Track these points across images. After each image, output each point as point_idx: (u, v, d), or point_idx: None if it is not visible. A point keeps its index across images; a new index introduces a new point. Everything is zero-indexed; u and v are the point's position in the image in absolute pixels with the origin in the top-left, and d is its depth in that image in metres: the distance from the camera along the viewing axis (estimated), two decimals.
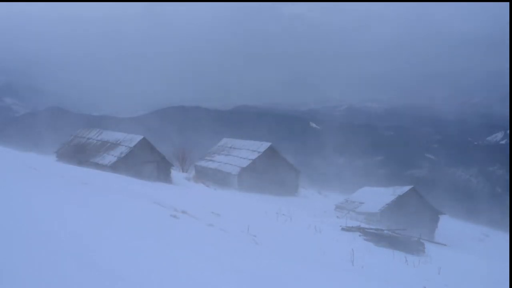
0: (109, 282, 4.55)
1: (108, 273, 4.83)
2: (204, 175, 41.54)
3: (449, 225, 35.91)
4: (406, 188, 34.35)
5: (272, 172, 39.65)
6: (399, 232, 21.12)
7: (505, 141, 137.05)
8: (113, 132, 36.01)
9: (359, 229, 20.40)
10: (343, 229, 20.31)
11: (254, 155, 40.33)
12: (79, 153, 34.21)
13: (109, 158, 31.23)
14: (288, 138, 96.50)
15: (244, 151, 42.02)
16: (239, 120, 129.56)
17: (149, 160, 31.56)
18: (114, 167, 29.05)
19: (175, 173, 36.31)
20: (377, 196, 33.97)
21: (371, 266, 12.17)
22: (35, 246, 5.02)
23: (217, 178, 40.29)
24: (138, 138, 32.26)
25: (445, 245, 24.96)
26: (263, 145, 41.43)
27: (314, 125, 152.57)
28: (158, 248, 6.84)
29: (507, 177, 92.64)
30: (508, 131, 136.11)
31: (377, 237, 18.60)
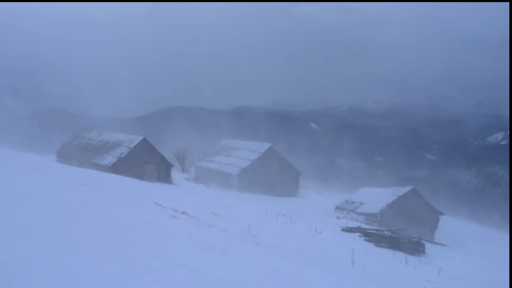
0: (107, 284, 4.55)
1: (107, 274, 4.83)
2: (205, 176, 41.56)
3: (449, 225, 35.91)
4: (406, 188, 34.37)
5: (272, 173, 39.68)
6: (400, 232, 21.14)
7: (505, 142, 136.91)
8: (113, 133, 36.05)
9: (359, 229, 20.41)
10: (343, 229, 20.32)
11: (255, 156, 40.35)
12: (80, 154, 34.24)
13: (110, 158, 31.26)
14: (288, 139, 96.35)
15: (245, 151, 42.04)
16: (239, 120, 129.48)
17: (149, 161, 31.59)
18: (114, 168, 29.08)
19: (176, 174, 36.33)
20: (377, 197, 33.97)
21: (371, 267, 12.17)
22: (33, 247, 5.03)
23: (218, 179, 40.31)
24: (138, 138, 32.29)
25: (445, 245, 24.97)
26: (264, 146, 41.45)
27: (314, 125, 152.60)
28: (158, 249, 6.85)
29: (508, 177, 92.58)
30: (508, 132, 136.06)
31: (378, 238, 18.60)
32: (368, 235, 18.93)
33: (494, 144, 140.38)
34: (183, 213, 12.51)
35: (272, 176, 39.40)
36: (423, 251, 18.42)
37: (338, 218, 28.56)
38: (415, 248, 18.28)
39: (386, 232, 20.46)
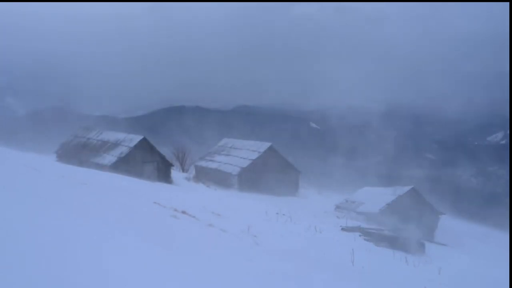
0: (106, 285, 4.54)
1: (106, 275, 4.82)
2: (204, 175, 41.54)
3: (449, 225, 35.91)
4: (406, 188, 34.36)
5: (272, 172, 39.63)
6: (399, 232, 21.12)
7: (505, 141, 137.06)
8: (113, 132, 36.03)
9: (359, 229, 20.42)
10: (343, 229, 20.31)
11: (254, 155, 40.33)
12: (79, 153, 34.22)
13: (109, 158, 31.24)
14: (288, 138, 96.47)
15: (244, 151, 42.02)
16: (239, 120, 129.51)
17: (149, 160, 31.57)
18: (114, 167, 29.05)
19: (175, 173, 36.33)
20: (377, 196, 33.98)
21: (371, 266, 12.17)
22: (32, 246, 5.02)
23: (217, 178, 40.28)
24: (138, 138, 32.26)
25: (445, 245, 24.99)
26: (263, 145, 41.43)
27: (314, 125, 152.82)
28: (158, 249, 6.84)
29: (507, 177, 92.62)
30: (508, 131, 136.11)
31: (377, 237, 18.61)
32: (368, 235, 18.93)
33: (494, 143, 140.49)
34: (183, 212, 12.50)
35: (272, 176, 39.35)
36: (423, 251, 18.42)
37: (338, 217, 28.54)
38: (415, 247, 18.28)
39: (386, 232, 20.46)
